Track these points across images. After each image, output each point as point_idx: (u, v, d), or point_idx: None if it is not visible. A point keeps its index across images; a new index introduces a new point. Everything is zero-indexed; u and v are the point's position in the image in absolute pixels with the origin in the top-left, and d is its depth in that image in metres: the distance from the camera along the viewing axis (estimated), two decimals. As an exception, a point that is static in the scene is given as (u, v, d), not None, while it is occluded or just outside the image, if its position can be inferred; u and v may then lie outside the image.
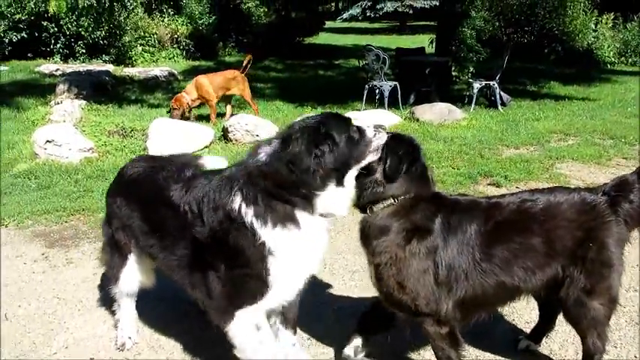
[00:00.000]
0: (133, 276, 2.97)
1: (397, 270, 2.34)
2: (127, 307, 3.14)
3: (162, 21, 16.35)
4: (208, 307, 2.47)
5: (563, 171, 5.87)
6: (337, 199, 2.26)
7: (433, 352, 2.52)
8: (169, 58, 15.77)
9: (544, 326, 2.88)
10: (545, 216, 2.41)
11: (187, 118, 8.43)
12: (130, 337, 3.11)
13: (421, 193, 2.41)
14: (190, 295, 2.63)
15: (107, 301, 3.51)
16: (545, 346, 2.93)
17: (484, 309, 2.53)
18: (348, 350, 2.71)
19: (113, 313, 3.35)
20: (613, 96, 10.58)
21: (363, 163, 2.31)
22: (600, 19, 16.67)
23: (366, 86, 9.76)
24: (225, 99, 9.09)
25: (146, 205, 2.70)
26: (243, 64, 9.47)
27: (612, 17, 16.90)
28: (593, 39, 16.15)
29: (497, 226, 2.39)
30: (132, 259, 2.92)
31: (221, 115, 8.92)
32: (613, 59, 15.81)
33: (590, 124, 8.05)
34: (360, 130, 2.30)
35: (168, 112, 8.72)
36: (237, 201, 2.23)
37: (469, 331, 3.02)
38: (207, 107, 8.86)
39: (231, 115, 8.64)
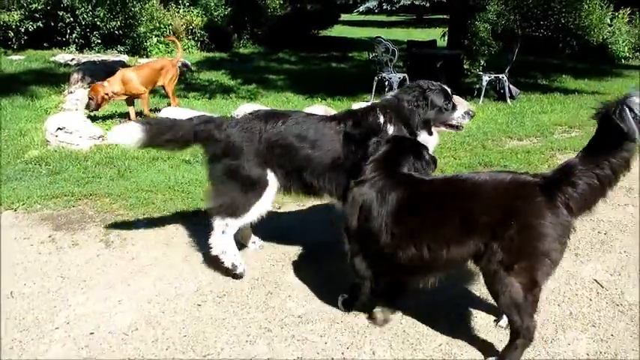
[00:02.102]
0: (265, 206, 3.62)
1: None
2: (232, 236, 3.66)
3: (178, 12, 16.49)
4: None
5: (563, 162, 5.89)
6: (427, 141, 3.42)
7: None
8: (184, 50, 15.87)
9: None
10: (467, 193, 2.58)
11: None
12: (240, 263, 3.66)
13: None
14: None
15: (109, 280, 3.68)
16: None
17: (407, 276, 2.84)
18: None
19: (115, 290, 3.52)
20: (623, 90, 10.43)
21: (444, 127, 3.59)
22: (616, 14, 16.46)
23: (375, 78, 9.83)
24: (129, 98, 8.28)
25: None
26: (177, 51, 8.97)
27: (629, 12, 16.66)
28: (608, 34, 15.96)
29: (417, 200, 2.67)
30: (269, 190, 3.59)
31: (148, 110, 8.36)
32: (627, 54, 15.63)
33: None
34: (453, 106, 3.49)
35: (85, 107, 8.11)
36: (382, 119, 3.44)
37: (452, 311, 3.15)
38: (212, 99, 8.86)
39: (137, 115, 8.04)
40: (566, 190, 2.43)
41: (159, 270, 3.82)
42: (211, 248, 3.68)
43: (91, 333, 3.11)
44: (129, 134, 3.61)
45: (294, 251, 4.05)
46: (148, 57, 14.34)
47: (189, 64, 13.34)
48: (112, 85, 7.77)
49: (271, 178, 3.56)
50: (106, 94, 7.69)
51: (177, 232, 4.42)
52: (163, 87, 8.52)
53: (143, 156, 6.39)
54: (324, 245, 4.13)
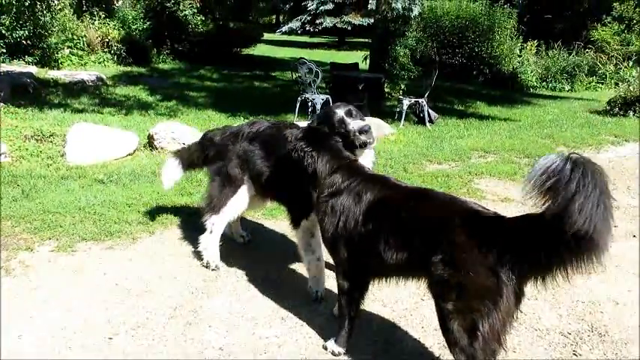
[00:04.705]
0: (240, 203, 3.96)
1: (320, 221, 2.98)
2: (218, 235, 4.02)
3: (93, 24, 15.75)
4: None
5: (480, 186, 6.11)
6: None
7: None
8: (99, 63, 15.18)
9: None
10: (421, 209, 2.58)
11: None
12: (214, 261, 3.99)
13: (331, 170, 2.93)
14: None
15: (9, 312, 3.32)
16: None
17: (374, 274, 2.85)
18: None
19: (15, 324, 3.18)
20: (532, 118, 11.15)
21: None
22: (525, 45, 17.60)
23: (299, 99, 9.82)
24: None
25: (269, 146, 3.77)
26: None
27: (536, 44, 17.88)
28: (517, 64, 16.98)
29: (381, 202, 2.70)
30: (243, 188, 3.92)
31: None
32: (535, 83, 16.68)
33: (508, 142, 8.43)
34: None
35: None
36: None
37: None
38: (129, 115, 8.21)
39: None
40: (504, 242, 2.28)
41: (66, 300, 3.51)
42: (199, 244, 4.05)
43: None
44: (171, 175, 4.32)
45: (213, 278, 3.87)
46: (59, 69, 13.56)
47: (105, 77, 12.74)
48: None
49: (246, 178, 3.91)
50: None
51: (88, 259, 4.12)
52: None
53: (51, 175, 5.95)
54: (245, 270, 4.00)
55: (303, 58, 10.17)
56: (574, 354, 3.10)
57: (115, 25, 16.13)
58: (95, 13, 16.10)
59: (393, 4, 12.32)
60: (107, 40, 15.61)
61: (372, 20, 14.98)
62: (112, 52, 15.63)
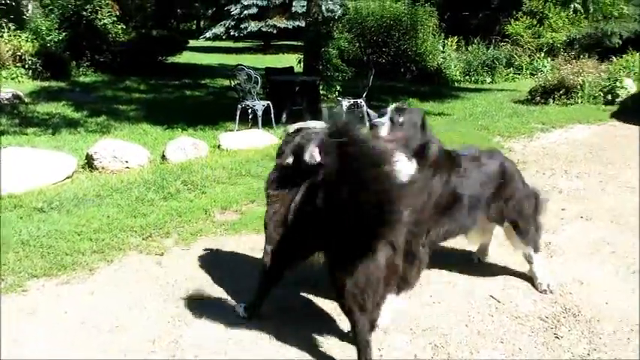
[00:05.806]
0: None
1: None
2: None
3: (2, 36, 14.69)
4: None
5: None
6: None
7: None
8: (12, 79, 14.12)
9: None
10: None
11: None
12: None
13: None
14: None
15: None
16: None
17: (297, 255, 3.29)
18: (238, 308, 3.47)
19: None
20: (464, 111, 11.54)
21: None
22: (446, 41, 18.27)
23: (239, 106, 9.59)
24: None
25: None
26: None
27: (456, 40, 18.61)
28: (441, 59, 17.62)
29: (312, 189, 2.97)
30: None
31: None
32: (459, 77, 17.37)
33: (448, 136, 8.62)
34: None
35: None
36: None
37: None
38: (57, 134, 7.71)
39: None
40: None
41: (26, 348, 3.18)
42: None
43: None
44: None
45: (187, 303, 3.66)
46: (-32, 87, 12.53)
47: (22, 94, 11.89)
48: None
49: None
50: None
51: (42, 297, 3.77)
52: None
53: (-18, 206, 5.44)
54: (217, 290, 3.82)
55: (241, 65, 9.97)
56: (555, 336, 3.20)
57: (27, 37, 15.12)
58: (4, 24, 15.02)
59: (323, 6, 12.38)
60: (19, 53, 14.58)
61: (300, 23, 15.05)
62: (27, 66, 14.62)
